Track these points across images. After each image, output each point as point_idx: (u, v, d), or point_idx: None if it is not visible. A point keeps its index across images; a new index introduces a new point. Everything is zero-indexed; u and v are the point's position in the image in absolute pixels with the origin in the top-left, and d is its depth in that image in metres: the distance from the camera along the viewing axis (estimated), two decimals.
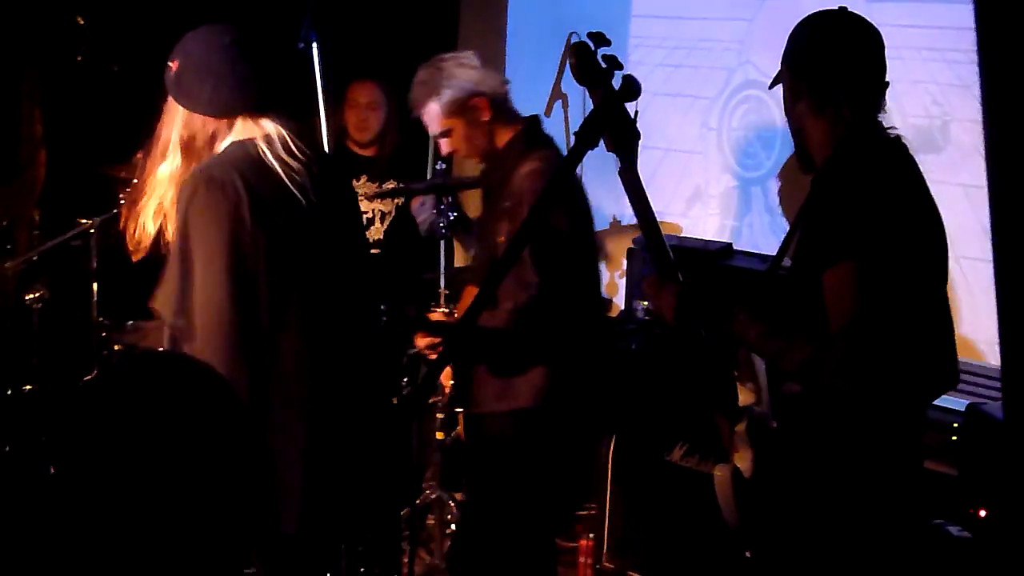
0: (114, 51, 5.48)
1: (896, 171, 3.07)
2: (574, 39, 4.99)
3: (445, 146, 4.40)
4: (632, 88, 2.70)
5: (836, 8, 3.21)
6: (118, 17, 5.90)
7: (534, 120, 4.37)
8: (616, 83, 2.79)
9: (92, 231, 5.19)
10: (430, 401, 5.13)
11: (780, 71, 3.22)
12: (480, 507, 4.43)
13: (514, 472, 4.28)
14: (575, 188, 4.33)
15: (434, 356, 4.37)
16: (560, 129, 5.84)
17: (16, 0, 5.68)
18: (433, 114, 4.33)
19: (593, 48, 2.90)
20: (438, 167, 5.14)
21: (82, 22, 5.35)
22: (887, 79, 3.15)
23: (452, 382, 4.65)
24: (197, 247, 3.09)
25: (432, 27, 6.81)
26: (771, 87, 3.27)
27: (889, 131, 3.13)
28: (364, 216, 5.94)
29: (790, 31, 3.21)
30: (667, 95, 5.85)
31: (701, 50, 5.78)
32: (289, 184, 3.19)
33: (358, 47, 6.04)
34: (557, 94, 5.95)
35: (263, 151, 3.19)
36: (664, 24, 5.88)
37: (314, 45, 4.92)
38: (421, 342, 4.35)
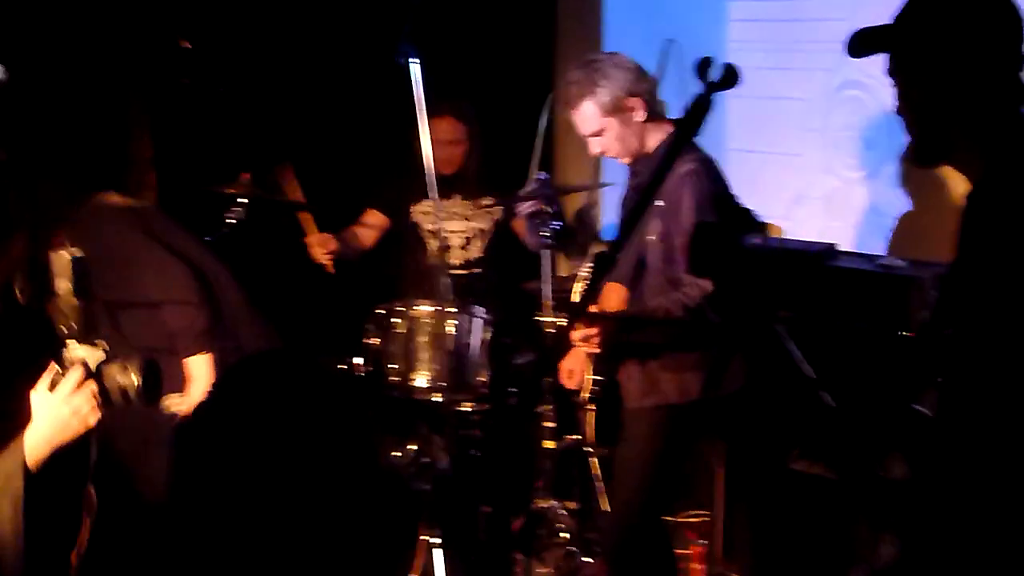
0: (219, 73, 5.57)
1: None
2: (672, 48, 5.01)
3: (595, 146, 4.44)
4: (731, 76, 2.65)
5: None
6: (222, 39, 5.99)
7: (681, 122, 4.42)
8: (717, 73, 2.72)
9: None
10: (536, 410, 5.16)
11: (887, 39, 2.82)
12: (618, 500, 4.50)
13: (653, 465, 4.35)
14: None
15: (591, 348, 4.39)
16: None
17: (121, 27, 5.80)
18: (587, 114, 4.38)
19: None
20: (539, 176, 5.17)
21: (187, 45, 5.45)
22: None
23: (594, 379, 4.62)
24: None
25: (529, 40, 6.84)
26: (858, 54, 2.91)
27: None
28: (462, 235, 5.97)
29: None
30: (767, 98, 5.83)
31: (800, 52, 5.75)
32: None
33: (455, 62, 6.08)
34: None
35: None
36: (762, 27, 5.86)
37: (413, 61, 4.97)
38: (578, 334, 4.35)
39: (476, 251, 5.99)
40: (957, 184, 5.16)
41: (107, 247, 4.38)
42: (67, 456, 3.06)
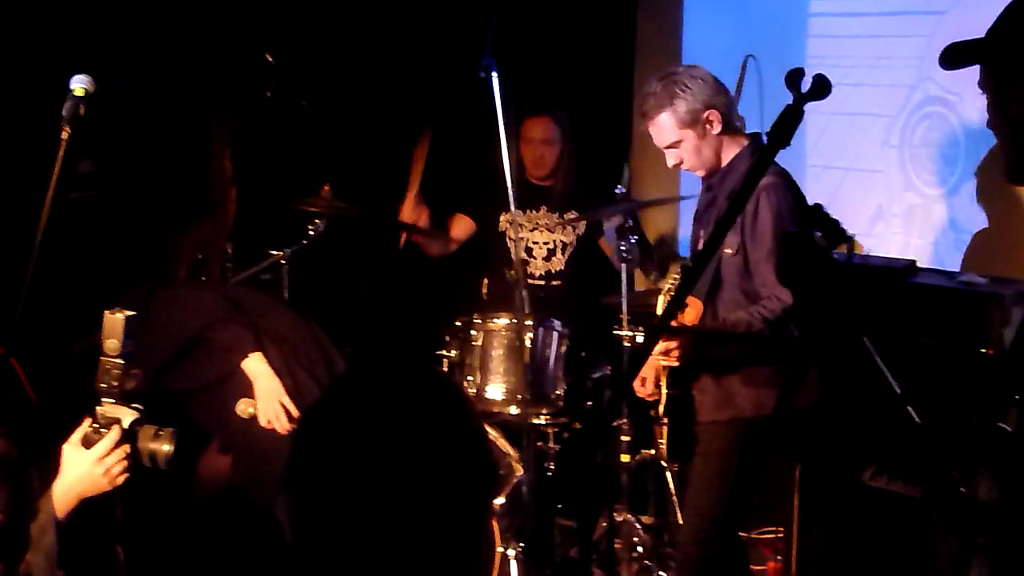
0: (302, 86, 5.63)
1: None
2: (750, 63, 5.02)
3: (672, 158, 4.47)
4: (822, 86, 2.64)
5: None
6: (305, 53, 6.06)
7: (757, 136, 4.42)
8: (806, 84, 2.69)
9: (283, 263, 5.33)
10: (614, 424, 5.16)
11: (984, 50, 2.70)
12: (694, 515, 4.51)
13: (728, 480, 4.35)
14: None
15: (671, 362, 4.40)
16: None
17: (207, 42, 5.88)
18: (664, 125, 4.41)
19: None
20: (618, 191, 5.19)
21: (271, 59, 5.51)
22: None
23: (667, 392, 4.63)
24: None
25: (608, 54, 6.86)
26: (952, 61, 2.76)
27: None
28: (545, 247, 6.00)
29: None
30: (847, 114, 5.81)
31: (880, 68, 5.73)
32: None
33: (535, 77, 6.11)
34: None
35: None
36: (842, 43, 5.85)
37: (494, 75, 5.00)
38: (659, 347, 4.36)
39: (558, 264, 6.02)
40: None
41: (157, 313, 4.52)
42: (95, 512, 3.12)
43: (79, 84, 3.71)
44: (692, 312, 4.46)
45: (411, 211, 5.78)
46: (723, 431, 4.42)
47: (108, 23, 5.64)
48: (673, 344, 4.30)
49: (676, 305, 3.23)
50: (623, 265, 5.08)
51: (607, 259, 6.00)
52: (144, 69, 5.65)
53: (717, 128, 4.39)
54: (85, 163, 4.67)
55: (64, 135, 3.61)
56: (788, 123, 2.58)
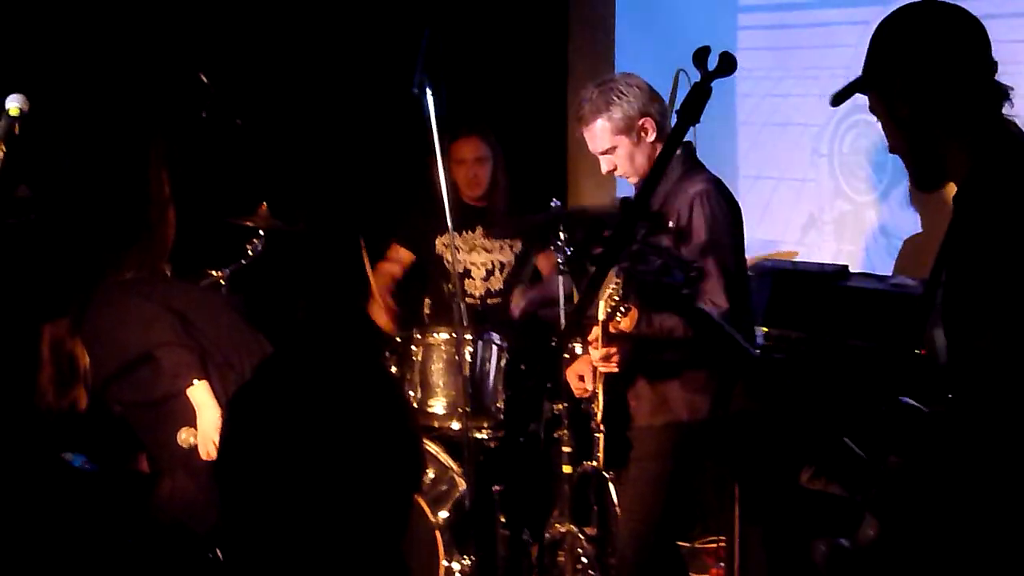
0: (236, 106, 5.64)
1: None
2: (682, 77, 5.07)
3: (606, 164, 4.50)
4: (728, 63, 2.69)
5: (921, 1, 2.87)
6: (239, 72, 6.06)
7: (689, 145, 4.47)
8: (712, 62, 2.71)
9: (222, 283, 5.34)
10: (555, 435, 5.20)
11: (864, 79, 2.90)
12: (631, 520, 4.54)
13: (664, 484, 4.39)
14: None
15: (611, 368, 4.43)
16: None
17: (141, 63, 5.88)
18: (599, 131, 4.44)
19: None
20: (553, 204, 5.22)
21: (204, 79, 5.52)
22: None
23: (604, 399, 4.66)
24: None
25: (540, 69, 6.90)
26: (837, 102, 2.98)
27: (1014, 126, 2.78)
28: (483, 267, 6.03)
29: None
30: (777, 124, 5.89)
31: (808, 79, 5.82)
32: None
33: (468, 92, 6.15)
34: None
35: None
36: (770, 55, 5.93)
37: (427, 91, 5.03)
38: (598, 354, 4.39)
39: (497, 283, 6.05)
40: None
41: (105, 325, 4.54)
42: None
43: (14, 103, 3.73)
44: (628, 319, 4.49)
45: (381, 315, 5.84)
46: (659, 436, 4.45)
47: (41, 45, 5.63)
48: (613, 350, 4.33)
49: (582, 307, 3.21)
50: (560, 277, 5.12)
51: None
52: (79, 91, 5.64)
53: (652, 135, 4.43)
54: (22, 188, 4.66)
55: None
56: (697, 100, 2.64)
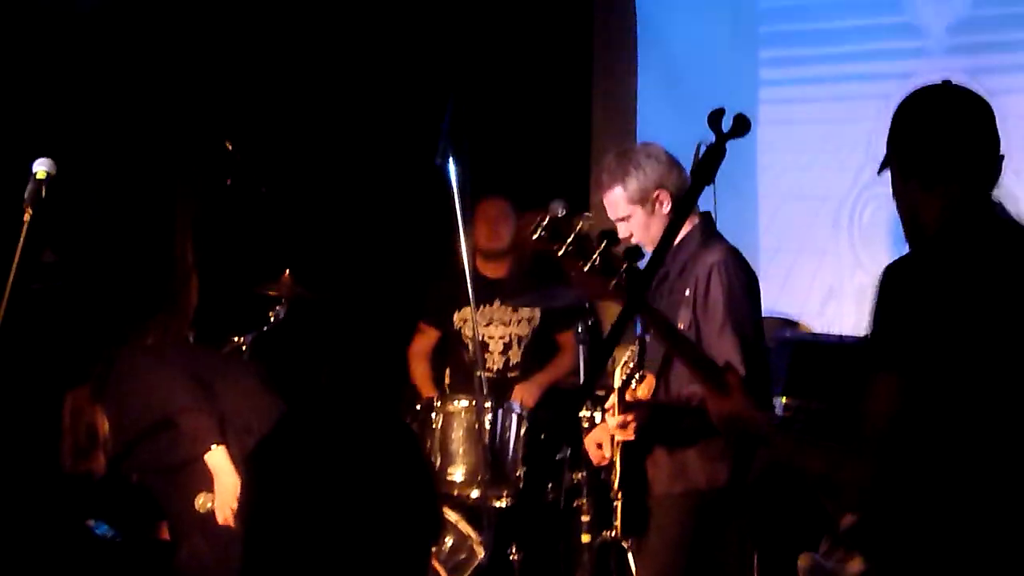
0: (261, 173, 5.69)
1: (988, 263, 2.86)
2: (703, 149, 5.11)
3: (623, 230, 4.52)
4: (742, 125, 2.72)
5: (939, 82, 3.04)
6: (264, 140, 6.12)
7: (708, 215, 4.50)
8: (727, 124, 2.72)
9: (244, 348, 5.36)
10: (574, 504, 5.19)
11: (887, 154, 3.06)
12: None
13: (683, 553, 4.38)
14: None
15: (627, 436, 4.44)
16: None
17: (167, 131, 5.94)
18: (616, 198, 4.47)
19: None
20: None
21: (230, 147, 5.57)
22: (1001, 152, 2.97)
23: (621, 466, 4.67)
24: None
25: (564, 138, 6.94)
26: (879, 172, 3.13)
27: (1005, 208, 2.96)
28: (501, 341, 6.04)
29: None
30: (796, 197, 5.92)
31: (828, 151, 5.85)
32: None
33: (492, 163, 6.19)
34: None
35: None
36: (791, 128, 5.97)
37: (450, 160, 5.06)
38: (614, 420, 4.41)
39: (515, 356, 6.05)
40: None
41: (125, 390, 4.58)
42: None
43: (41, 167, 3.77)
44: (645, 386, 4.51)
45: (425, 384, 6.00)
46: (677, 504, 4.45)
47: (69, 112, 5.69)
48: (630, 417, 4.34)
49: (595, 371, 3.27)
50: (580, 347, 5.13)
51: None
52: (106, 158, 5.70)
53: (666, 207, 4.46)
54: (48, 253, 4.71)
55: (26, 217, 3.66)
56: (712, 161, 2.65)
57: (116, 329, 4.71)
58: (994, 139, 2.98)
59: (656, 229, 4.46)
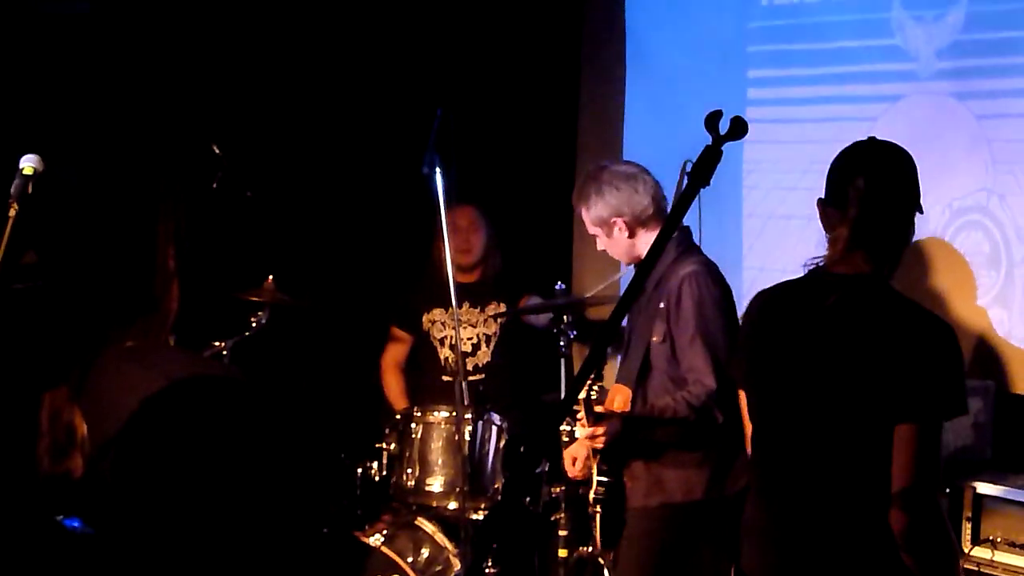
0: (248, 178, 5.68)
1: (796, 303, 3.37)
2: (688, 167, 5.12)
3: (598, 245, 4.63)
4: (739, 127, 2.73)
5: (866, 139, 3.38)
6: (251, 144, 6.11)
7: (686, 228, 4.53)
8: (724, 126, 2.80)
9: (224, 353, 5.35)
10: (552, 519, 5.19)
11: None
12: None
13: (655, 566, 4.39)
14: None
15: (596, 445, 4.45)
16: None
17: (153, 133, 5.92)
18: (584, 218, 4.59)
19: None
20: (557, 287, 5.27)
21: (217, 150, 5.56)
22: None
23: (598, 479, 4.68)
24: None
25: (550, 152, 6.95)
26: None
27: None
28: (469, 342, 6.05)
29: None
30: (782, 217, 5.93)
31: (814, 172, 5.84)
32: None
33: (478, 173, 6.20)
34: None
35: None
36: (778, 148, 5.97)
37: (437, 171, 5.07)
38: (584, 432, 4.43)
39: (484, 356, 6.07)
40: (964, 298, 5.24)
41: (102, 391, 4.54)
42: None
43: (28, 163, 3.76)
44: (621, 398, 4.53)
45: (394, 391, 6.13)
46: (653, 516, 4.47)
47: (56, 112, 5.68)
48: (600, 430, 4.37)
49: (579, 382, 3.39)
50: (561, 360, 5.15)
51: (534, 344, 6.07)
52: (90, 160, 5.68)
53: (625, 233, 4.54)
54: (30, 254, 4.69)
55: (12, 212, 3.65)
56: (707, 163, 2.65)
57: (96, 331, 4.69)
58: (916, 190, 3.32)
59: (618, 250, 4.56)
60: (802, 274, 3.39)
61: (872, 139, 3.36)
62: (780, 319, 3.33)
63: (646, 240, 4.55)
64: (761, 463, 3.39)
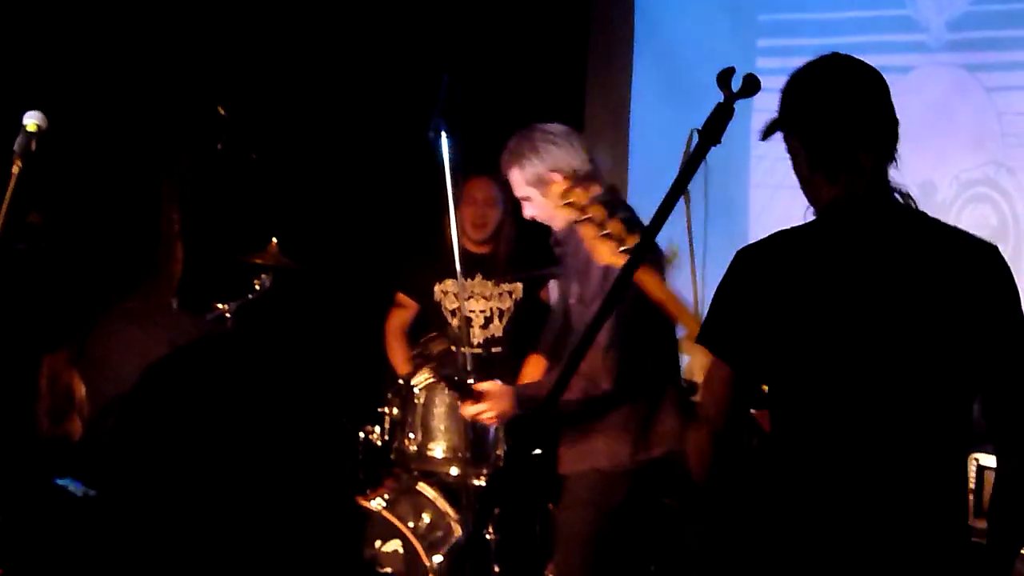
0: (253, 140, 5.66)
1: (822, 253, 3.07)
2: (695, 138, 5.09)
3: (525, 211, 4.56)
4: (752, 84, 2.68)
5: (830, 54, 3.14)
6: (256, 106, 6.09)
7: (613, 186, 4.50)
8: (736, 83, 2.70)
9: (228, 316, 5.34)
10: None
11: (775, 121, 3.16)
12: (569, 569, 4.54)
13: (590, 536, 4.39)
14: None
15: (489, 422, 4.53)
16: (682, 227, 5.84)
17: (158, 94, 5.90)
18: (514, 180, 4.51)
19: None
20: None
21: (223, 112, 5.54)
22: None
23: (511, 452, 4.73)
24: None
25: (557, 118, 6.92)
26: (763, 138, 3.21)
27: (899, 190, 3.00)
28: (482, 315, 6.03)
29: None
30: (789, 187, 5.89)
31: None
32: None
33: (483, 139, 6.19)
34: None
35: None
36: None
37: (443, 136, 5.05)
38: (470, 411, 4.50)
39: (497, 330, 6.04)
40: None
41: (103, 353, 4.54)
42: None
43: (32, 119, 3.73)
44: (535, 369, 4.56)
45: (397, 358, 6.03)
46: (585, 483, 4.47)
47: (62, 73, 5.66)
48: (481, 407, 4.44)
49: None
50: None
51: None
52: (95, 120, 5.66)
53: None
54: (34, 215, 4.68)
55: (15, 169, 3.62)
56: (719, 121, 2.63)
57: (98, 293, 4.68)
58: (891, 112, 3.02)
59: (554, 211, 4.39)
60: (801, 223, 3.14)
61: (835, 55, 3.17)
62: (803, 271, 3.05)
63: None
64: (825, 437, 2.91)
